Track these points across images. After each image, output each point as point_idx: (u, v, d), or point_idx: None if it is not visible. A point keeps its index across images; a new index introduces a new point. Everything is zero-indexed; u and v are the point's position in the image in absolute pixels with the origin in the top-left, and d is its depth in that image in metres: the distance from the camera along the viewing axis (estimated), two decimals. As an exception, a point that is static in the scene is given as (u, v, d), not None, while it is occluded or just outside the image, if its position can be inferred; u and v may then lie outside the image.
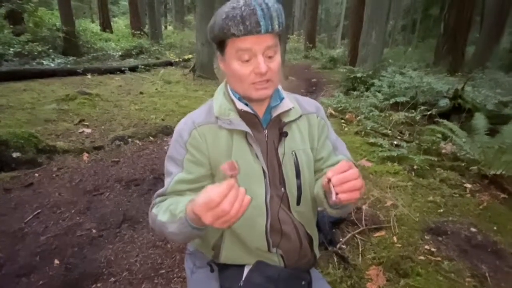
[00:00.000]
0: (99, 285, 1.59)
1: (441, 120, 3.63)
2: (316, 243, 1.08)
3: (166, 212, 0.85)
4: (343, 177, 0.71)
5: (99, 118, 4.05)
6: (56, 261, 1.75)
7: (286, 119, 0.96)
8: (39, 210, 2.21)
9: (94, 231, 2.03)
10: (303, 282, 1.02)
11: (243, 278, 0.97)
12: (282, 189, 0.97)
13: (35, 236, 1.96)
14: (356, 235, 1.92)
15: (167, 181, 0.95)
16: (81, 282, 1.61)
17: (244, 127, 0.91)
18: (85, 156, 3.04)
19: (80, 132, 3.55)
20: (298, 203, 0.99)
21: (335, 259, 1.73)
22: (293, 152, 0.97)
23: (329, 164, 1.05)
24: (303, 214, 1.01)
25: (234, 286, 0.96)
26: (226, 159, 0.93)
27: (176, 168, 0.94)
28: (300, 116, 1.00)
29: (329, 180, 0.72)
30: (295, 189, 0.98)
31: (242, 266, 1.00)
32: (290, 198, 0.98)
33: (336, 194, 0.71)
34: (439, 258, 1.72)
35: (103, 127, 3.79)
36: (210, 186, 0.67)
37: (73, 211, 2.24)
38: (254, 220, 0.93)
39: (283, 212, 0.99)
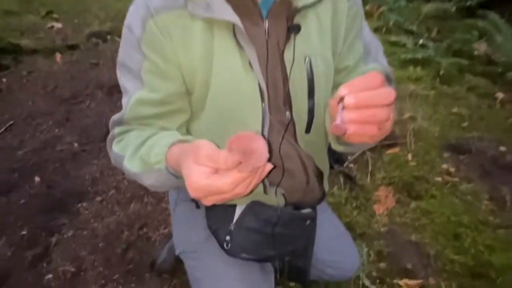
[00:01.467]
0: (84, 204, 1.50)
1: (482, 11, 3.02)
2: (326, 175, 0.87)
3: (134, 158, 0.60)
4: (364, 97, 0.40)
5: (70, 9, 3.43)
6: (37, 179, 1.62)
7: (299, 3, 0.60)
8: (11, 122, 1.99)
9: (75, 145, 1.85)
10: (307, 222, 0.85)
11: (234, 221, 0.79)
12: (287, 112, 0.70)
13: (10, 150, 1.79)
14: (366, 152, 1.73)
15: (124, 101, 0.67)
16: (65, 201, 1.51)
17: (231, 15, 0.57)
18: (58, 57, 2.64)
19: (49, 27, 3.03)
20: (308, 130, 0.73)
21: (341, 179, 1.58)
22: (307, 59, 0.65)
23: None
24: (313, 144, 0.76)
25: (223, 229, 0.79)
26: (204, 68, 0.62)
27: (133, 82, 0.64)
28: None
29: (341, 100, 0.41)
30: (306, 112, 0.70)
31: (233, 206, 0.80)
32: (297, 124, 0.71)
33: (343, 123, 0.41)
34: (457, 179, 1.57)
35: (76, 20, 3.23)
36: (207, 148, 0.43)
37: (50, 122, 2.02)
38: None
39: (287, 144, 0.73)
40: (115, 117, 0.67)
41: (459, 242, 1.29)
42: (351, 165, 1.67)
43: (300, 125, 0.72)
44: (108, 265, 1.24)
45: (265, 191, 0.75)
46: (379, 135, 0.46)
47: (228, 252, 0.77)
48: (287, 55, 0.63)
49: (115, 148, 0.66)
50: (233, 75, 0.62)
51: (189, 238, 0.87)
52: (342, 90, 0.42)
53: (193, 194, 0.43)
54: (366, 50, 0.74)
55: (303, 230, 0.85)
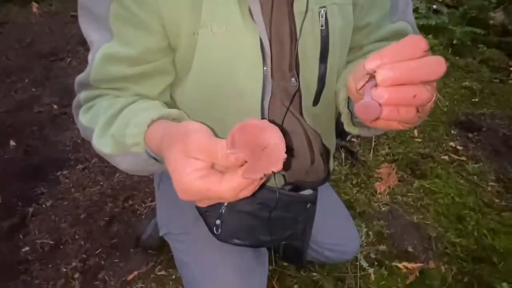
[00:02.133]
0: (64, 172, 1.39)
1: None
2: (332, 154, 0.77)
3: (105, 135, 0.49)
4: (405, 69, 0.29)
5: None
6: (12, 143, 1.50)
7: None
8: (-17, 79, 1.83)
9: (55, 106, 1.71)
10: (308, 205, 0.77)
11: (225, 203, 0.70)
12: (293, 79, 0.58)
13: (-18, 111, 1.65)
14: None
15: (89, 57, 0.54)
16: (43, 168, 1.40)
17: None
18: (35, 7, 2.38)
19: (24, -28, 2.72)
20: (316, 102, 0.62)
21: (342, 154, 1.49)
22: (322, 11, 0.52)
23: (377, 39, 0.61)
24: (320, 118, 0.66)
25: (213, 211, 0.70)
26: (191, 18, 0.48)
27: (99, 33, 0.51)
28: None
29: (370, 77, 0.30)
30: (315, 80, 0.58)
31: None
32: (304, 93, 0.60)
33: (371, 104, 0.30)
34: (463, 158, 1.49)
35: (54, -35, 2.90)
36: (200, 135, 0.33)
37: (27, 80, 1.85)
38: None
39: (291, 118, 0.62)
40: (80, 77, 0.55)
41: (462, 224, 1.24)
42: (354, 139, 1.57)
43: (307, 95, 0.60)
44: (90, 239, 1.16)
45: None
46: (415, 121, 0.35)
47: (218, 238, 0.69)
48: (298, 5, 0.50)
49: (83, 118, 0.54)
50: (228, 27, 0.49)
51: (175, 219, 0.78)
52: (373, 61, 0.29)
53: (183, 196, 0.33)
54: (393, 5, 0.60)
55: (303, 214, 0.77)
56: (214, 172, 0.32)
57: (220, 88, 0.53)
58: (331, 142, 0.75)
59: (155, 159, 0.45)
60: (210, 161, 0.32)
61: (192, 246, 0.74)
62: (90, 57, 0.53)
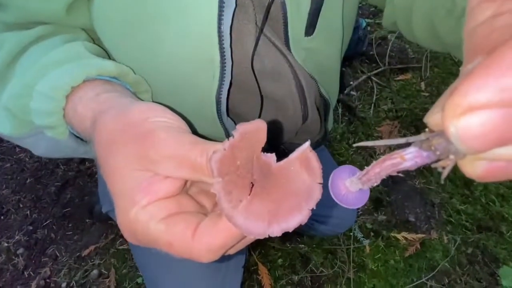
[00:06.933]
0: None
1: None
2: (332, 107, 0.60)
3: None
4: None
5: None
6: None
7: None
8: None
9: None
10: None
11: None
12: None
13: None
14: (373, 78, 1.43)
15: None
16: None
17: None
18: None
19: None
20: (311, 30, 0.42)
21: (339, 109, 1.32)
22: None
23: None
24: (317, 56, 0.47)
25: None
26: None
27: None
28: None
29: None
30: None
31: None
32: (291, 15, 0.39)
33: None
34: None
35: None
36: (173, 136, 0.21)
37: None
38: (190, 80, 0.38)
39: (271, 50, 0.43)
40: None
41: (469, 190, 1.12)
42: (353, 92, 1.38)
43: (297, 18, 0.40)
44: (37, 208, 1.00)
45: (228, 136, 0.47)
46: None
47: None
48: None
49: None
50: None
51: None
52: None
53: (130, 239, 0.22)
54: None
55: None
56: (188, 211, 0.21)
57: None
58: (332, 91, 0.56)
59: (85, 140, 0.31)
60: (185, 178, 0.20)
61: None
62: None
